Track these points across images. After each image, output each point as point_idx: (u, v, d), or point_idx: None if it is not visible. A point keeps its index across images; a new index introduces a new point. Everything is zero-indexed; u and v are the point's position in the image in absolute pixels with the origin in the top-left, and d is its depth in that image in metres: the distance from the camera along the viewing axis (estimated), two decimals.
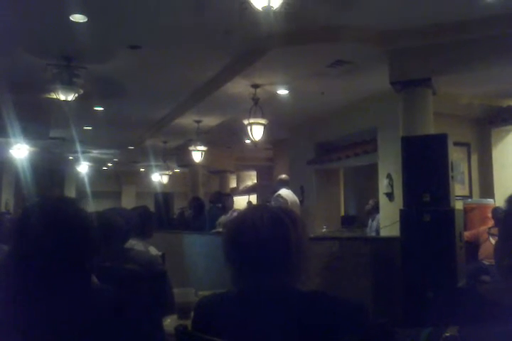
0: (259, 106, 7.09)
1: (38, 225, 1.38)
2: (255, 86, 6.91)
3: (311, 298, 1.41)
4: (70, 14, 4.89)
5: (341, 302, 1.42)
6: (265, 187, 12.68)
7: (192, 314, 1.60)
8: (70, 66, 6.25)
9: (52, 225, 1.39)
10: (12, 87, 7.04)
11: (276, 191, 6.89)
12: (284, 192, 6.76)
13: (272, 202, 6.45)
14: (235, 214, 7.22)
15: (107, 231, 2.40)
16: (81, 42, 5.58)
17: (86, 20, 5.02)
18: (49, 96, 7.32)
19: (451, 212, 4.20)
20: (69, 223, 1.42)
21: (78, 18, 4.97)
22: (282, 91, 7.38)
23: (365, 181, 10.02)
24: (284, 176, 7.23)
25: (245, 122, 7.34)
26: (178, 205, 13.87)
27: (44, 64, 6.28)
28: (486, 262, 5.43)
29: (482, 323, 1.15)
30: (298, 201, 7.10)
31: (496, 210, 5.86)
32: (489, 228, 5.74)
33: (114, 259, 2.43)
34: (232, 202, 8.16)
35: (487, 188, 7.31)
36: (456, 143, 5.69)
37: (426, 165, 4.27)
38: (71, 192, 17.88)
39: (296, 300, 1.40)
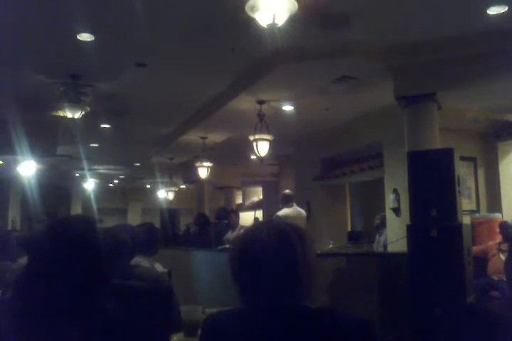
0: (264, 122, 7.12)
1: (50, 246, 1.39)
2: (261, 102, 6.95)
3: (319, 315, 1.40)
4: (78, 33, 4.96)
5: (349, 319, 1.41)
6: (271, 203, 12.66)
7: (199, 331, 1.59)
8: (77, 84, 6.32)
9: (61, 246, 1.40)
10: (20, 104, 7.11)
11: (282, 206, 6.87)
12: (283, 212, 6.72)
13: None
14: (242, 230, 7.20)
15: (112, 248, 2.40)
16: (88, 61, 5.65)
17: (93, 39, 5.08)
18: (56, 114, 7.40)
19: (458, 226, 4.17)
20: (79, 244, 1.42)
21: (85, 37, 5.04)
22: (287, 107, 7.41)
23: (371, 196, 9.97)
24: (287, 191, 7.22)
25: (251, 138, 7.36)
26: (184, 221, 13.85)
27: (51, 82, 6.35)
28: (495, 277, 5.38)
29: (494, 340, 1.14)
30: (304, 215, 7.04)
31: (503, 225, 5.82)
32: (498, 243, 5.70)
33: (120, 276, 2.42)
34: (238, 218, 8.11)
35: (494, 202, 7.26)
36: (462, 158, 5.68)
37: (432, 180, 4.26)
38: (77, 209, 17.92)
39: (304, 317, 1.38)
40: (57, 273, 1.35)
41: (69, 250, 1.39)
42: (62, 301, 1.34)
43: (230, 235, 7.35)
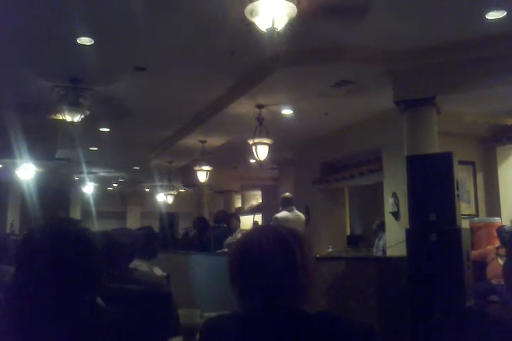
0: (263, 126, 7.13)
1: (42, 247, 1.39)
2: (260, 106, 6.95)
3: (318, 319, 1.40)
4: (77, 37, 4.97)
5: (348, 323, 1.40)
6: (270, 207, 12.66)
7: (197, 335, 1.59)
8: (76, 88, 6.33)
9: (55, 247, 1.40)
10: (19, 108, 7.12)
11: (281, 208, 6.86)
12: (282, 215, 6.69)
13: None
14: (240, 234, 7.18)
15: (111, 251, 2.39)
16: (88, 65, 5.66)
17: (93, 42, 5.09)
18: (55, 117, 7.39)
19: (457, 231, 4.17)
20: (72, 244, 1.42)
21: (85, 40, 5.05)
22: (287, 111, 7.42)
23: (370, 200, 9.98)
24: (287, 194, 7.19)
25: (250, 142, 7.36)
26: (183, 225, 13.82)
27: (51, 85, 6.36)
28: (494, 281, 5.37)
29: None
30: (302, 218, 7.02)
31: (500, 230, 5.81)
32: (497, 248, 5.68)
33: (119, 280, 2.42)
34: (238, 223, 8.08)
35: (493, 206, 7.26)
36: (461, 162, 5.68)
37: (431, 184, 4.26)
38: (76, 213, 17.90)
39: (302, 322, 1.38)
40: (52, 277, 1.35)
41: (64, 252, 1.39)
42: (59, 303, 1.34)
43: (230, 239, 7.33)
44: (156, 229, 9.18)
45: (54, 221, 1.58)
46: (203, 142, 9.38)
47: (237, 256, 1.45)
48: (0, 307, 1.38)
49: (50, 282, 1.35)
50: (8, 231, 13.96)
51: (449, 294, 3.96)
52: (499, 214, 6.94)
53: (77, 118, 6.43)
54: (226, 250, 6.62)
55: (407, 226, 4.41)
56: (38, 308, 1.33)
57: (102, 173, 14.48)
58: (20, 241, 1.44)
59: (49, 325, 1.31)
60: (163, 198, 14.49)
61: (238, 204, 17.89)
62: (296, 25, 4.21)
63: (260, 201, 16.55)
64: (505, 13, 4.49)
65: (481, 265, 5.63)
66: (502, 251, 5.44)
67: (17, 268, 1.43)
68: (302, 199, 9.02)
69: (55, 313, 1.33)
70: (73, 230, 1.46)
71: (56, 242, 1.40)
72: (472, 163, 7.33)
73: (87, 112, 6.57)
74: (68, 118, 6.42)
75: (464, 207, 6.23)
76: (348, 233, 9.73)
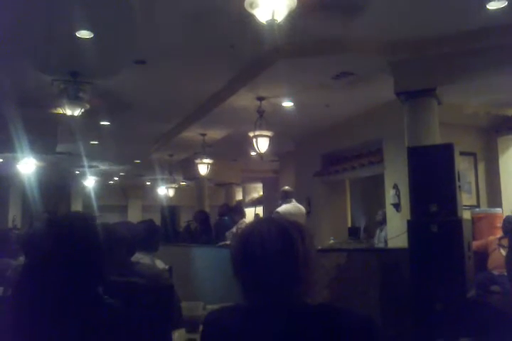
0: (264, 118, 7.11)
1: (43, 244, 1.40)
2: (260, 98, 6.94)
3: (320, 311, 1.40)
4: (77, 30, 4.96)
5: (349, 315, 1.41)
6: (271, 199, 12.68)
7: (200, 328, 1.59)
8: (76, 81, 6.32)
9: (57, 244, 1.40)
10: (19, 102, 7.11)
11: (281, 202, 6.86)
12: (283, 208, 6.70)
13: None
14: (240, 228, 7.19)
15: (108, 242, 2.40)
16: (87, 58, 5.64)
17: (92, 36, 5.08)
18: (56, 111, 7.39)
19: (458, 222, 4.17)
20: (75, 241, 1.43)
21: (84, 34, 5.03)
22: (287, 104, 7.40)
23: (371, 192, 9.99)
24: (287, 188, 7.18)
25: (251, 134, 7.35)
26: (185, 218, 13.84)
27: (51, 79, 6.35)
28: (495, 272, 5.39)
29: (495, 334, 1.14)
30: (303, 211, 7.03)
31: (505, 219, 5.82)
32: (499, 238, 5.70)
33: (121, 273, 2.42)
34: (239, 215, 8.05)
35: (494, 197, 7.27)
36: (462, 153, 5.68)
37: (432, 176, 4.25)
38: (78, 206, 17.93)
39: (304, 314, 1.39)
40: (57, 271, 1.36)
41: (69, 248, 1.39)
42: (64, 297, 1.35)
43: (229, 233, 7.34)
44: (158, 222, 9.21)
45: (57, 217, 1.59)
46: (204, 135, 9.38)
47: (240, 249, 1.46)
48: (7, 303, 1.39)
49: (53, 278, 1.35)
50: (10, 225, 14.00)
51: (451, 285, 3.97)
52: (500, 205, 6.95)
53: (77, 111, 6.43)
54: (227, 242, 6.64)
55: (408, 218, 4.41)
56: (43, 303, 1.34)
57: (102, 167, 14.49)
58: (22, 237, 1.45)
59: (53, 319, 1.32)
60: (165, 191, 14.49)
61: (239, 196, 17.91)
62: (297, 17, 4.19)
63: (261, 193, 16.56)
64: (506, 3, 4.46)
65: (482, 256, 5.64)
66: (504, 242, 5.45)
67: (25, 264, 1.44)
68: (303, 192, 9.03)
69: (59, 308, 1.34)
70: (75, 226, 1.47)
71: (58, 239, 1.41)
72: (473, 154, 7.32)
73: (87, 106, 6.57)
74: (68, 112, 6.42)
75: (465, 198, 6.23)
76: (350, 225, 9.75)
